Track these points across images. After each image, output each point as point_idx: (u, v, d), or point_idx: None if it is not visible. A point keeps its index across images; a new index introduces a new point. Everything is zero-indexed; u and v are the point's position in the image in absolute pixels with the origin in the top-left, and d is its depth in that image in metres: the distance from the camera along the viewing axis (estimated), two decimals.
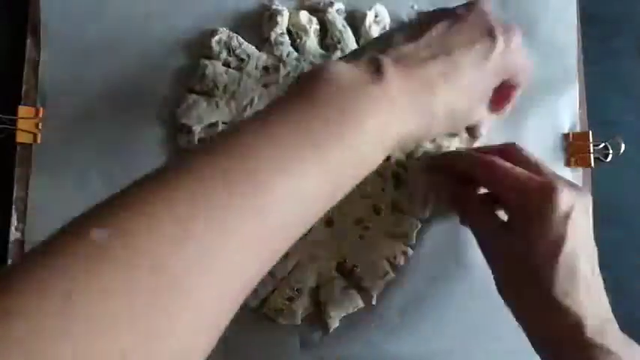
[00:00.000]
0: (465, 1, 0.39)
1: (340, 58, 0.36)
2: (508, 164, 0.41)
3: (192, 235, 0.25)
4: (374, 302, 0.47)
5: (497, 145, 0.45)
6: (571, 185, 0.40)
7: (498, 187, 0.42)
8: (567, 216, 0.38)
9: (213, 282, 0.26)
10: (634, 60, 0.53)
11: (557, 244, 0.38)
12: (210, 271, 0.26)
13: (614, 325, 0.39)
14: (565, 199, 0.38)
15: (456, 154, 0.47)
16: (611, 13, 0.53)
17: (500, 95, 0.40)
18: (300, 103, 0.31)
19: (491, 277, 0.48)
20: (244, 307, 0.43)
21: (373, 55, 0.34)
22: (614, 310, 0.48)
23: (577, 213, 0.38)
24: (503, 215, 0.43)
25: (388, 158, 0.48)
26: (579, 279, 0.38)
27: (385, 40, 0.36)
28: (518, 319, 0.41)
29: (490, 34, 0.37)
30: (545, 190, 0.38)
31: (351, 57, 0.35)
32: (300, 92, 0.32)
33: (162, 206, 0.26)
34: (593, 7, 0.52)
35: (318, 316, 0.47)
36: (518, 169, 0.40)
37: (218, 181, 0.27)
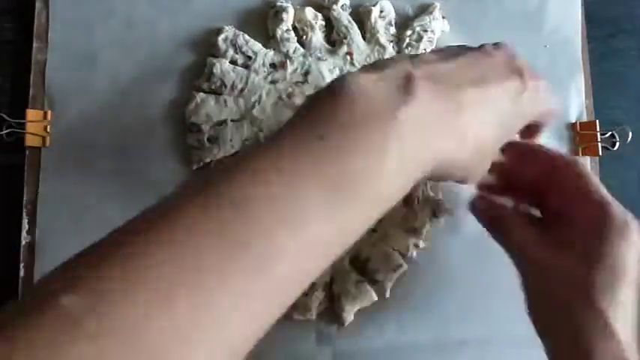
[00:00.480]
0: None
1: (364, 67, 0.31)
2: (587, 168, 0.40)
3: (177, 312, 0.22)
4: (387, 295, 0.48)
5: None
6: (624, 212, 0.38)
7: (566, 188, 0.40)
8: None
9: (202, 353, 0.22)
10: (635, 60, 0.54)
11: (622, 273, 0.35)
12: (199, 342, 0.22)
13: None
14: (620, 215, 0.37)
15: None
16: (612, 13, 0.54)
17: (528, 130, 0.40)
18: (309, 135, 0.26)
19: (505, 268, 0.49)
20: None
21: (403, 67, 0.30)
22: None
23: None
24: None
25: None
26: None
27: (416, 58, 0.32)
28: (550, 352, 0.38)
29: (520, 76, 0.35)
30: (623, 211, 0.37)
31: (377, 67, 0.30)
32: (311, 119, 0.27)
33: (141, 271, 0.22)
34: (594, 7, 0.53)
35: (332, 311, 0.47)
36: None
37: (209, 238, 0.23)
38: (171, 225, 0.24)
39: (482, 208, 0.42)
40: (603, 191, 0.39)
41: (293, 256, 0.24)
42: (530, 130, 0.40)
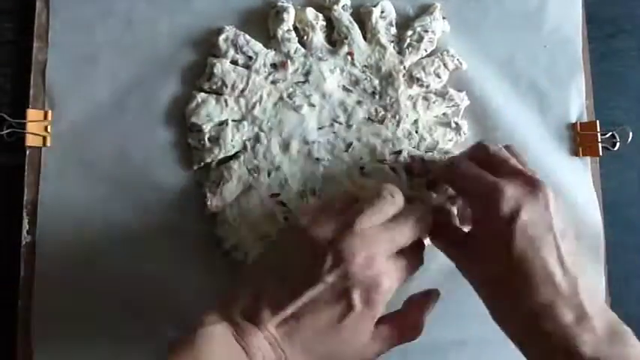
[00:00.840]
0: None
1: (220, 305, 0.37)
2: (470, 166, 0.41)
3: None
4: None
5: (470, 146, 0.44)
6: (524, 183, 0.38)
7: (460, 191, 0.42)
8: (512, 218, 0.37)
9: None
10: (635, 60, 0.54)
11: (506, 248, 0.37)
12: None
13: (594, 322, 0.37)
14: (508, 201, 0.37)
15: (431, 161, 0.48)
16: (612, 13, 0.54)
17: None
18: None
19: None
20: None
21: (236, 321, 0.36)
22: (614, 309, 0.48)
23: (526, 212, 0.37)
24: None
25: (400, 152, 0.48)
26: (541, 280, 0.37)
27: (248, 301, 0.37)
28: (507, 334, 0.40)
29: (343, 297, 0.36)
30: (491, 193, 0.38)
31: (224, 312, 0.36)
32: None
33: None
34: (595, 8, 0.53)
35: None
36: (476, 171, 0.40)
37: None
38: None
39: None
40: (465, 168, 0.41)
41: None
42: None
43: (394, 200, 0.38)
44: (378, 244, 0.36)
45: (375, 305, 0.36)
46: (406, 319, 0.41)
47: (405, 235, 0.38)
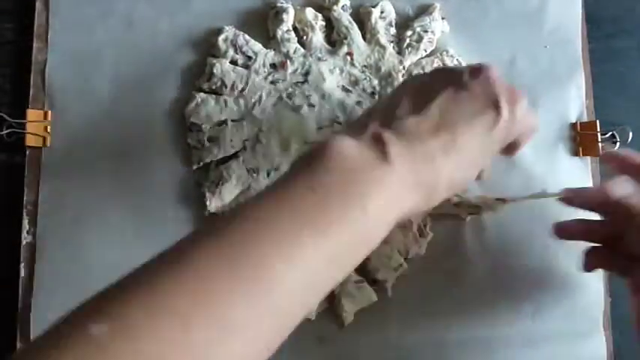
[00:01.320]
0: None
1: (347, 128, 0.35)
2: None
3: (193, 333, 0.25)
4: (389, 294, 0.47)
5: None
6: None
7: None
8: None
9: None
10: (635, 60, 0.54)
11: None
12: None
13: None
14: None
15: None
16: (612, 13, 0.54)
17: (506, 149, 0.40)
18: (302, 188, 0.31)
19: (506, 267, 0.49)
20: None
21: (377, 130, 0.34)
22: (614, 310, 0.48)
23: None
24: None
25: None
26: None
27: (390, 111, 0.36)
28: None
29: (495, 106, 0.36)
30: None
31: (356, 129, 0.35)
32: (303, 175, 0.31)
33: (163, 300, 0.26)
34: (595, 7, 0.53)
35: (332, 311, 0.47)
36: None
37: (220, 271, 0.27)
38: (187, 262, 0.27)
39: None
40: None
41: (290, 286, 0.28)
42: (509, 147, 0.40)
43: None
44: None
45: (516, 121, 0.36)
46: None
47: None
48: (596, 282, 0.49)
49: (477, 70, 0.37)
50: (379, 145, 0.33)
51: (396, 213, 0.33)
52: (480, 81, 0.36)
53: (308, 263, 0.29)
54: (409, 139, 0.34)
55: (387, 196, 0.32)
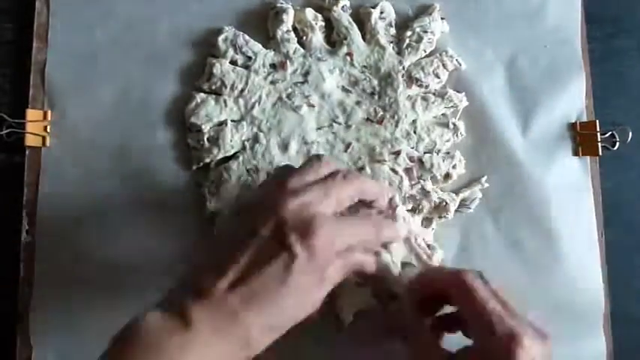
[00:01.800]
0: None
1: (157, 305, 0.36)
2: (487, 293, 0.38)
3: None
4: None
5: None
6: (534, 331, 0.37)
7: (469, 316, 0.39)
8: None
9: None
10: (635, 60, 0.54)
11: None
12: None
13: None
14: (528, 352, 0.36)
15: (434, 270, 0.44)
16: (612, 13, 0.54)
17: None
18: None
19: (503, 267, 0.49)
20: None
21: (178, 298, 0.35)
22: (613, 310, 0.48)
23: None
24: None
25: (399, 153, 0.48)
26: None
27: (189, 282, 0.36)
28: None
29: (283, 247, 0.35)
30: (510, 339, 0.36)
31: (164, 304, 0.36)
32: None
33: None
34: (595, 8, 0.53)
35: (332, 311, 0.47)
36: (493, 305, 0.38)
37: None
38: None
39: None
40: (505, 317, 0.37)
41: None
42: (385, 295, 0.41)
43: (323, 162, 0.39)
44: (310, 194, 0.37)
45: (317, 252, 0.35)
46: None
47: (343, 192, 0.38)
48: (595, 282, 0.49)
49: (264, 216, 0.36)
50: (181, 317, 0.34)
51: None
52: (269, 225, 0.36)
53: None
54: (211, 300, 0.34)
55: (192, 358, 0.33)
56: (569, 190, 0.50)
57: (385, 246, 0.42)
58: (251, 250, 0.36)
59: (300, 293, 0.36)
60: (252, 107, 0.48)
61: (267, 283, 0.35)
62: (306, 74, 0.49)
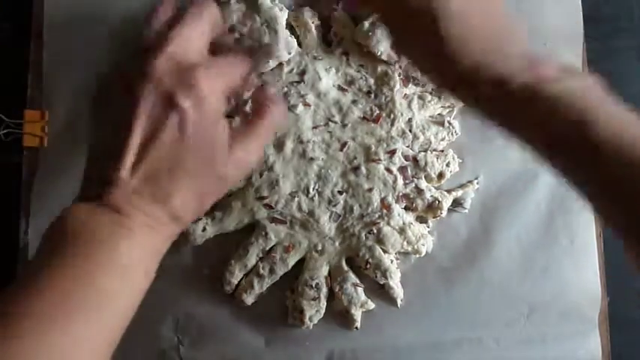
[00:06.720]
0: None
1: (74, 200, 0.36)
2: None
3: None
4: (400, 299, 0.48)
5: None
6: None
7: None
8: None
9: None
10: (635, 60, 0.53)
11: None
12: None
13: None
14: None
15: None
16: (611, 12, 0.53)
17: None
18: (55, 265, 0.33)
19: (500, 267, 0.49)
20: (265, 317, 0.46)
21: (97, 193, 0.35)
22: (612, 310, 0.48)
23: None
24: None
25: (394, 152, 0.48)
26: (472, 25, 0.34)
27: (95, 175, 0.37)
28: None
29: (170, 107, 0.34)
30: None
31: (81, 199, 0.36)
32: (51, 250, 0.34)
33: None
34: (594, 7, 0.52)
35: (333, 313, 0.48)
36: None
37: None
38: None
39: None
40: None
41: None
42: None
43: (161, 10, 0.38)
44: (172, 45, 0.36)
45: (204, 102, 0.35)
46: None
47: (199, 29, 0.37)
48: (592, 281, 0.49)
49: (143, 85, 0.35)
50: (105, 203, 0.34)
51: (154, 252, 0.36)
52: (148, 93, 0.35)
53: (90, 325, 0.33)
54: (119, 186, 0.34)
55: (135, 245, 0.34)
56: (567, 188, 0.50)
57: None
58: (139, 124, 0.34)
59: (204, 146, 0.35)
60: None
61: (167, 151, 0.34)
62: (302, 73, 0.49)
